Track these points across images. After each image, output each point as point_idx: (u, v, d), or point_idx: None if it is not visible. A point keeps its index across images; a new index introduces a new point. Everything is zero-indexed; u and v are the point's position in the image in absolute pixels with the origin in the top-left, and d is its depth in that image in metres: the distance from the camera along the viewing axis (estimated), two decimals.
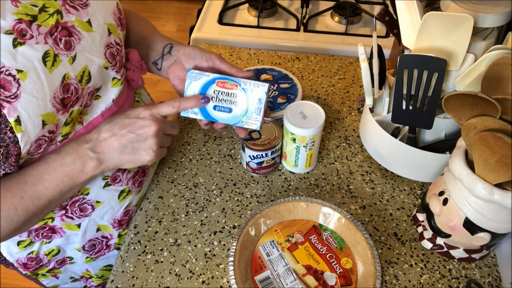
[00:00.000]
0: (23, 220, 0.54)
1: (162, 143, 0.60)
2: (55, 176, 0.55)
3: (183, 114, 0.63)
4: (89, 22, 0.55)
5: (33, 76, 0.48)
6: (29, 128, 0.49)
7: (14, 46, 0.47)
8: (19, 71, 0.47)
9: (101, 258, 0.75)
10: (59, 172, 0.55)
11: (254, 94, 0.61)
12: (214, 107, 0.62)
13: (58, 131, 0.55)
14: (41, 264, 0.70)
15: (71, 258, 0.72)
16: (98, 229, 0.70)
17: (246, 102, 0.61)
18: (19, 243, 0.65)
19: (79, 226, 0.67)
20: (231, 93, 0.61)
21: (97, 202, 0.66)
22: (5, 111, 0.46)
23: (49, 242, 0.67)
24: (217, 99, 0.62)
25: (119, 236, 0.74)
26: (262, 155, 0.74)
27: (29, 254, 0.67)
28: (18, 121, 0.47)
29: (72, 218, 0.65)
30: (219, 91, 0.61)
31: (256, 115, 0.62)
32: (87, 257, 0.73)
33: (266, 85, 0.61)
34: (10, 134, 0.48)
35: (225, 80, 0.61)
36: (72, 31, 0.53)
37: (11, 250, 0.66)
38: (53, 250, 0.69)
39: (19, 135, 0.48)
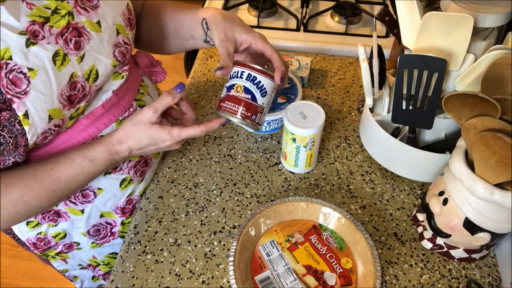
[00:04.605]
0: (49, 205, 0.60)
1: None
2: (89, 178, 0.61)
3: None
4: (98, 23, 0.58)
5: (42, 74, 0.51)
6: (36, 122, 0.52)
7: (27, 46, 0.49)
8: (30, 69, 0.49)
9: (106, 245, 0.77)
10: (94, 175, 0.61)
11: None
12: None
13: (64, 125, 0.57)
14: (49, 245, 0.73)
15: (78, 244, 0.75)
16: (101, 215, 0.72)
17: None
18: (28, 223, 0.69)
19: (82, 211, 0.69)
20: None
21: (99, 189, 0.68)
22: (14, 106, 0.49)
23: (56, 225, 0.70)
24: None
25: (122, 224, 0.75)
26: (240, 73, 0.59)
27: (38, 234, 0.70)
28: (26, 115, 0.50)
29: (75, 203, 0.68)
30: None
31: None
32: (92, 243, 0.75)
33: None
34: (19, 127, 0.51)
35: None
36: (82, 32, 0.56)
37: (22, 229, 0.69)
38: (59, 233, 0.71)
39: (26, 128, 0.51)
